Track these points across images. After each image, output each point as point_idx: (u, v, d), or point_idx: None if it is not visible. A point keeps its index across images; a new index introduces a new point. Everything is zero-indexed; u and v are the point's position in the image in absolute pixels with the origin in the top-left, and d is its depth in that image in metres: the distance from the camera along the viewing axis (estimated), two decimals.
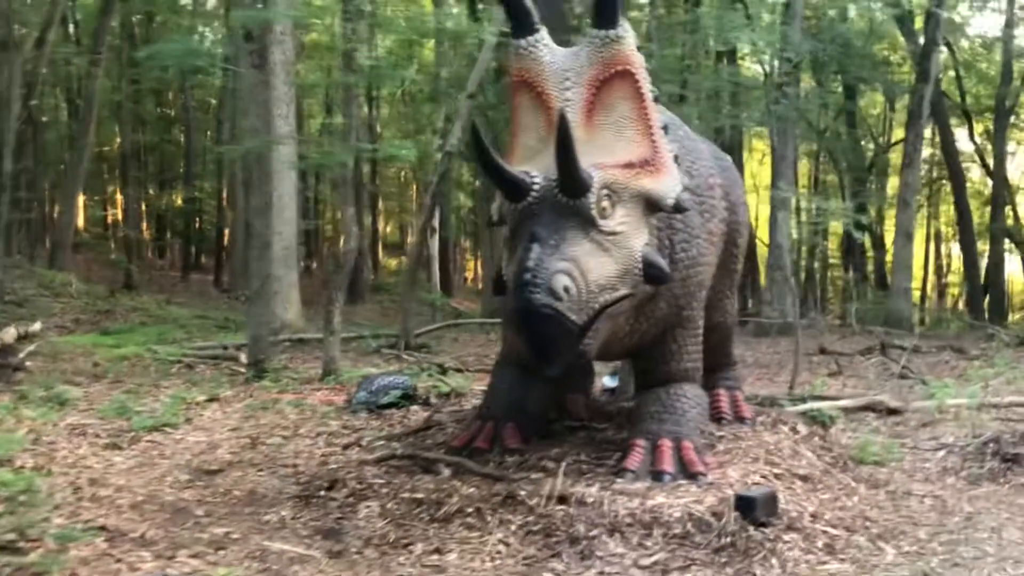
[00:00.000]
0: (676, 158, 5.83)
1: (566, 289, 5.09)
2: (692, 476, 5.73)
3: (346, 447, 7.05)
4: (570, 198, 5.28)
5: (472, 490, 5.38)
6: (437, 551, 4.83)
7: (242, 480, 6.07)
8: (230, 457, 6.75)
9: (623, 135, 5.63)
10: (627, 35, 5.65)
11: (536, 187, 5.37)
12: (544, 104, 5.66)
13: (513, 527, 5.06)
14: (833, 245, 29.07)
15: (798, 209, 23.74)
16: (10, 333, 13.18)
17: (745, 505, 5.13)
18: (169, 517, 5.19)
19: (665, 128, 5.81)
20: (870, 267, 26.52)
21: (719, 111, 19.28)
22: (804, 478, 6.31)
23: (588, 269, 5.25)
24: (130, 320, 19.34)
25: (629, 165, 5.53)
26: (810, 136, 25.19)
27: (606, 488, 5.47)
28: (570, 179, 5.24)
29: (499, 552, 4.86)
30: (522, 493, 5.31)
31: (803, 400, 9.93)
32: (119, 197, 34.61)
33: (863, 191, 25.18)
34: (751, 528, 5.06)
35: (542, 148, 5.64)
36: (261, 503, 5.56)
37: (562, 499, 5.25)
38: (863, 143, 26.43)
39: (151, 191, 35.79)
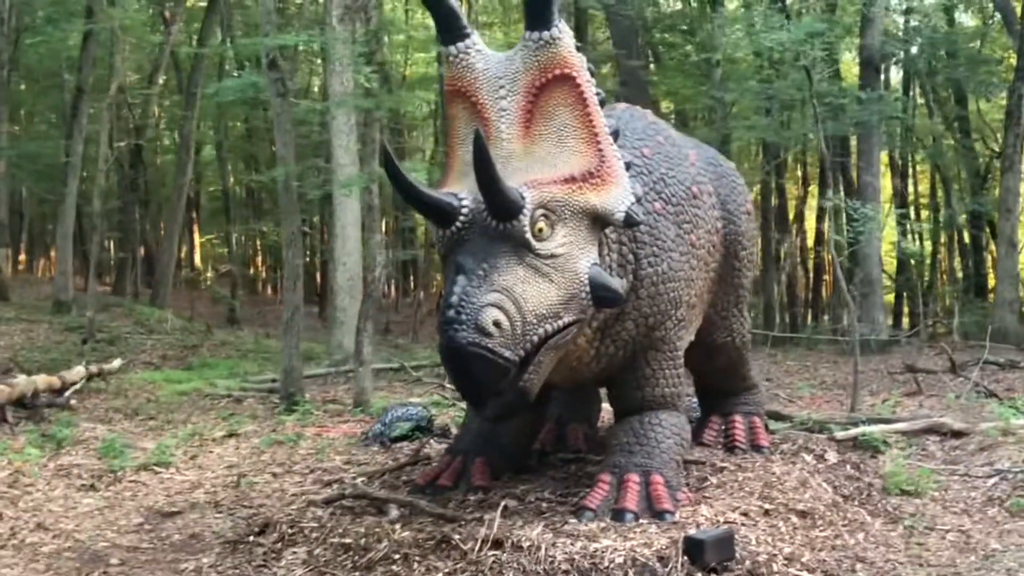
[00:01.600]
0: (628, 166, 5.33)
1: (496, 324, 4.65)
2: (658, 514, 5.22)
3: (327, 484, 6.73)
4: (500, 222, 4.84)
5: (406, 534, 4.97)
6: None
7: (192, 524, 5.80)
8: (204, 498, 6.49)
9: (565, 145, 5.15)
10: (564, 36, 5.17)
11: (464, 211, 4.92)
12: (480, 115, 5.21)
13: (439, 575, 4.64)
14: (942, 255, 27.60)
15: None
16: (77, 372, 13.39)
17: (694, 548, 4.60)
18: (78, 566, 4.94)
19: (615, 134, 5.33)
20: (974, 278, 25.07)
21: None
22: (802, 513, 5.72)
23: (524, 298, 4.79)
24: (217, 355, 19.53)
25: (570, 180, 5.04)
26: (902, 143, 23.80)
27: (553, 530, 5.01)
28: (497, 202, 4.79)
29: None
30: (456, 537, 4.88)
31: (857, 424, 9.21)
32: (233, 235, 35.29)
33: (979, 198, 23.84)
34: (699, 574, 4.53)
35: None
36: (191, 549, 5.27)
37: (497, 543, 4.80)
38: (972, 147, 24.97)
39: (265, 228, 36.40)
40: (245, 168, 33.76)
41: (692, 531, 4.79)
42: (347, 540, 4.97)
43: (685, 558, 4.59)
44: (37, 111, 31.15)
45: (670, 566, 4.56)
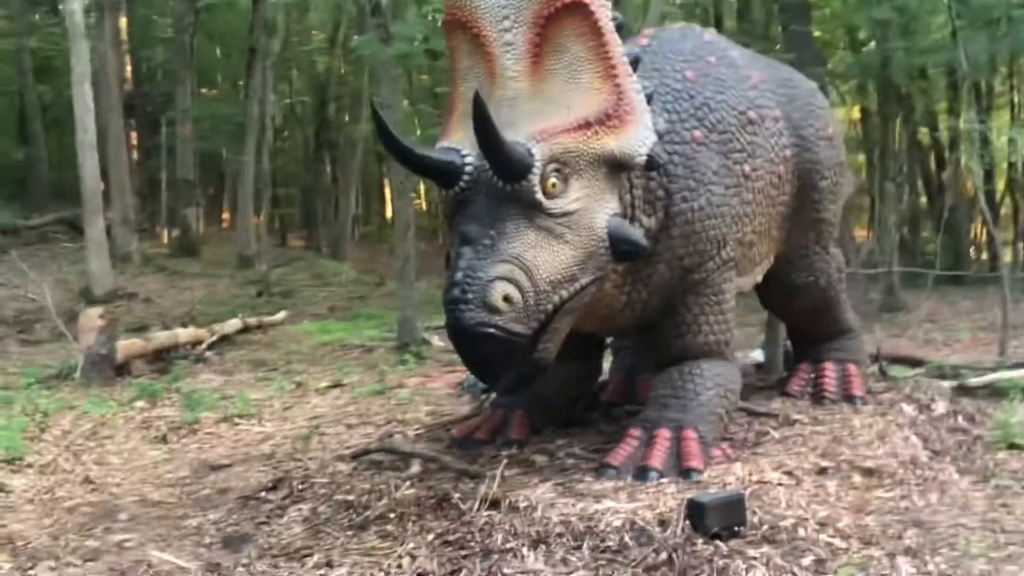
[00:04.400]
0: (650, 98, 4.84)
1: (507, 299, 4.26)
2: (685, 472, 4.80)
3: (391, 436, 6.61)
4: (507, 183, 4.42)
5: (409, 492, 4.75)
6: (328, 564, 4.25)
7: (232, 478, 5.76)
8: (267, 450, 6.47)
9: (579, 82, 4.64)
10: None
11: (468, 170, 4.49)
12: (483, 49, 4.73)
13: (431, 536, 4.37)
14: None
15: None
16: (231, 324, 13.86)
17: (695, 512, 4.18)
18: (84, 522, 4.97)
19: (635, 62, 4.82)
20: None
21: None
22: (868, 471, 5.20)
23: (536, 265, 4.37)
24: (385, 306, 19.84)
25: (584, 125, 4.54)
26: None
27: (562, 489, 4.68)
28: (501, 164, 4.36)
29: (398, 567, 4.21)
30: (456, 496, 4.62)
31: (997, 369, 8.35)
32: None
33: None
34: (700, 540, 4.11)
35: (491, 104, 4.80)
36: (208, 504, 5.21)
37: (495, 503, 4.53)
38: None
39: None
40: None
41: (696, 493, 4.36)
42: (351, 497, 4.79)
43: (687, 522, 4.18)
44: (224, 73, 32.39)
45: (669, 530, 4.16)
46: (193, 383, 9.14)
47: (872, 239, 16.61)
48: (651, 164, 4.69)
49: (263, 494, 5.13)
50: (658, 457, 4.86)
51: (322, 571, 4.19)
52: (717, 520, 4.12)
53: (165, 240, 24.50)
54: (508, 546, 4.19)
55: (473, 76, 4.80)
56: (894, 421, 6.04)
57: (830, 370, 6.53)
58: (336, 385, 9.04)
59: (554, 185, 4.43)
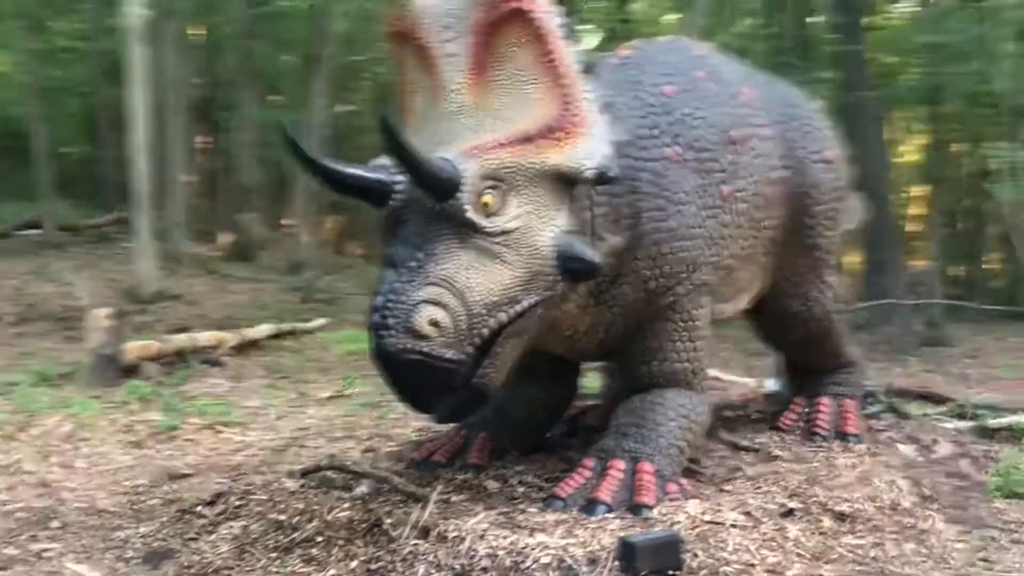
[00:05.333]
0: (606, 107, 4.56)
1: (435, 323, 4.01)
2: (635, 508, 4.53)
3: (366, 452, 6.43)
4: (436, 201, 4.14)
5: (345, 514, 4.55)
6: None
7: (186, 489, 5.63)
8: (237, 461, 6.35)
9: (524, 93, 4.36)
10: None
11: (399, 188, 4.21)
12: (427, 61, 4.47)
13: (354, 563, 4.18)
14: None
15: None
16: (261, 329, 13.87)
17: (626, 552, 3.92)
18: (14, 528, 4.85)
19: (589, 69, 4.56)
20: None
21: None
22: (840, 516, 4.87)
23: (469, 287, 4.10)
24: None
25: (524, 138, 4.26)
26: None
27: (498, 520, 4.44)
28: (424, 183, 4.08)
29: None
30: (388, 522, 4.41)
31: (1016, 411, 7.90)
32: None
33: None
34: None
35: (433, 118, 4.52)
36: (145, 516, 5.08)
37: (426, 532, 4.31)
38: None
39: None
40: None
41: (630, 533, 4.09)
42: (283, 517, 4.60)
43: (617, 563, 3.92)
44: (289, 81, 32.65)
45: (596, 571, 3.91)
46: (198, 387, 9.09)
47: (928, 268, 16.02)
48: (601, 179, 4.43)
49: (199, 508, 4.97)
50: (608, 490, 4.60)
51: None
52: (648, 562, 3.86)
53: (224, 244, 24.72)
54: None
55: (420, 89, 4.58)
56: (885, 462, 5.69)
57: (825, 405, 6.19)
58: (339, 395, 8.90)
59: (489, 203, 4.16)
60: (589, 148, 4.37)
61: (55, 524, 4.96)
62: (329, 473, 5.32)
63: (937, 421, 7.44)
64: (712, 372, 9.84)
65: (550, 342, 5.12)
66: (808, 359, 6.35)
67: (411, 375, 4.08)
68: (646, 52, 5.44)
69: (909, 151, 20.94)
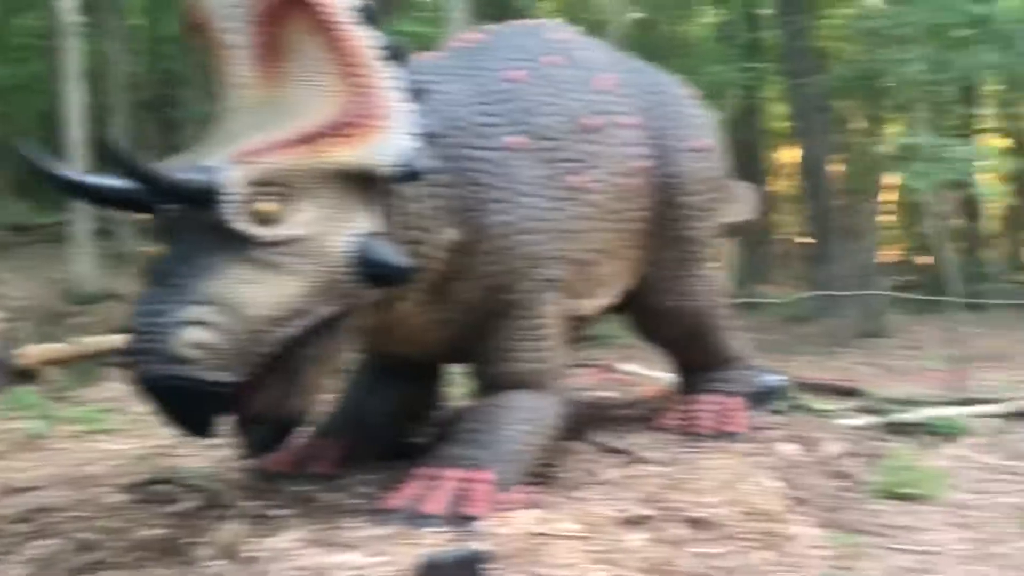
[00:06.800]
0: (419, 93, 4.24)
1: (199, 346, 3.68)
2: (465, 520, 4.24)
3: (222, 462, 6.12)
4: (203, 210, 3.77)
5: (153, 532, 4.26)
6: None
7: (20, 503, 5.26)
8: (91, 471, 5.99)
9: (314, 86, 4.00)
10: None
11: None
12: (217, 53, 4.10)
13: None
14: None
15: None
16: None
17: (427, 571, 3.63)
18: None
19: (398, 56, 4.19)
20: None
21: None
22: (694, 522, 4.61)
23: (241, 303, 3.76)
24: None
25: (308, 137, 3.90)
26: None
27: (313, 537, 4.14)
28: (169, 195, 3.74)
29: None
30: (199, 541, 4.12)
31: (929, 404, 7.66)
32: None
33: None
34: None
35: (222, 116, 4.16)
36: None
37: (232, 552, 4.01)
38: None
39: None
40: None
41: (431, 551, 3.80)
42: (90, 536, 4.31)
43: None
44: None
45: None
46: (94, 393, 8.74)
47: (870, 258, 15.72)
48: (408, 175, 4.11)
49: (14, 526, 4.65)
50: (439, 501, 4.30)
51: None
52: None
53: None
54: None
55: (217, 85, 4.25)
56: (761, 463, 5.43)
57: (708, 403, 5.93)
58: None
59: (266, 211, 3.82)
60: (388, 143, 4.02)
61: None
62: (162, 487, 5.02)
63: (842, 417, 7.21)
64: (631, 368, 9.65)
65: (393, 343, 4.84)
66: (688, 356, 6.09)
67: (176, 400, 3.77)
68: (501, 36, 5.16)
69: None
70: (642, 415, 6.38)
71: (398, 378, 5.34)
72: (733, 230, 7.48)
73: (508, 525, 4.20)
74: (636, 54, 6.11)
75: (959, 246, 24.17)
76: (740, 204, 6.53)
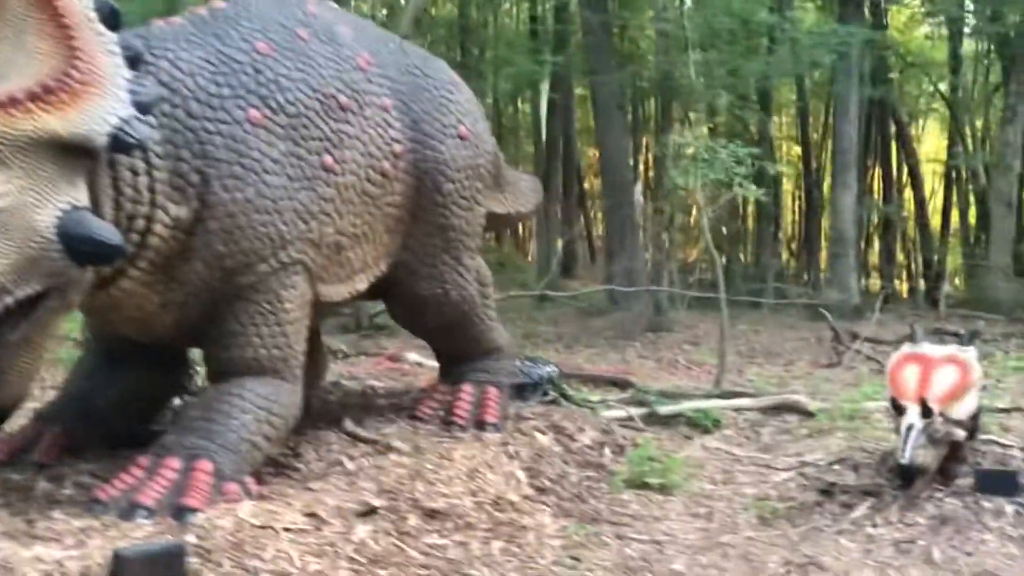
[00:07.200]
0: (134, 61, 3.98)
1: None
2: (177, 512, 4.02)
3: None
4: None
5: None
6: None
7: None
8: None
9: (22, 48, 3.69)
10: None
11: None
12: None
13: None
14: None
15: None
16: None
17: (120, 566, 3.42)
18: None
19: (112, 15, 3.85)
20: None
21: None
22: (431, 513, 4.54)
23: None
24: None
25: (13, 101, 3.60)
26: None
27: (19, 527, 3.86)
28: None
29: None
30: None
31: (707, 398, 7.88)
32: None
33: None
34: None
35: None
36: None
37: None
38: None
39: None
40: None
41: (124, 545, 3.59)
42: None
43: None
44: None
45: None
46: None
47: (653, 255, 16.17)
48: (119, 145, 3.85)
49: None
50: (151, 492, 4.07)
51: None
52: None
53: None
54: None
55: None
56: (511, 452, 5.42)
57: (466, 393, 5.87)
58: None
59: None
60: (103, 109, 3.76)
61: None
62: None
63: (608, 408, 7.31)
64: (416, 357, 9.56)
65: (118, 323, 4.58)
66: (449, 345, 6.03)
67: None
68: (245, 5, 4.91)
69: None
70: (407, 405, 6.28)
71: (132, 362, 5.05)
72: (508, 221, 7.49)
73: (226, 517, 4.01)
74: (435, 40, 6.01)
75: (741, 248, 25.40)
76: (518, 195, 6.50)
